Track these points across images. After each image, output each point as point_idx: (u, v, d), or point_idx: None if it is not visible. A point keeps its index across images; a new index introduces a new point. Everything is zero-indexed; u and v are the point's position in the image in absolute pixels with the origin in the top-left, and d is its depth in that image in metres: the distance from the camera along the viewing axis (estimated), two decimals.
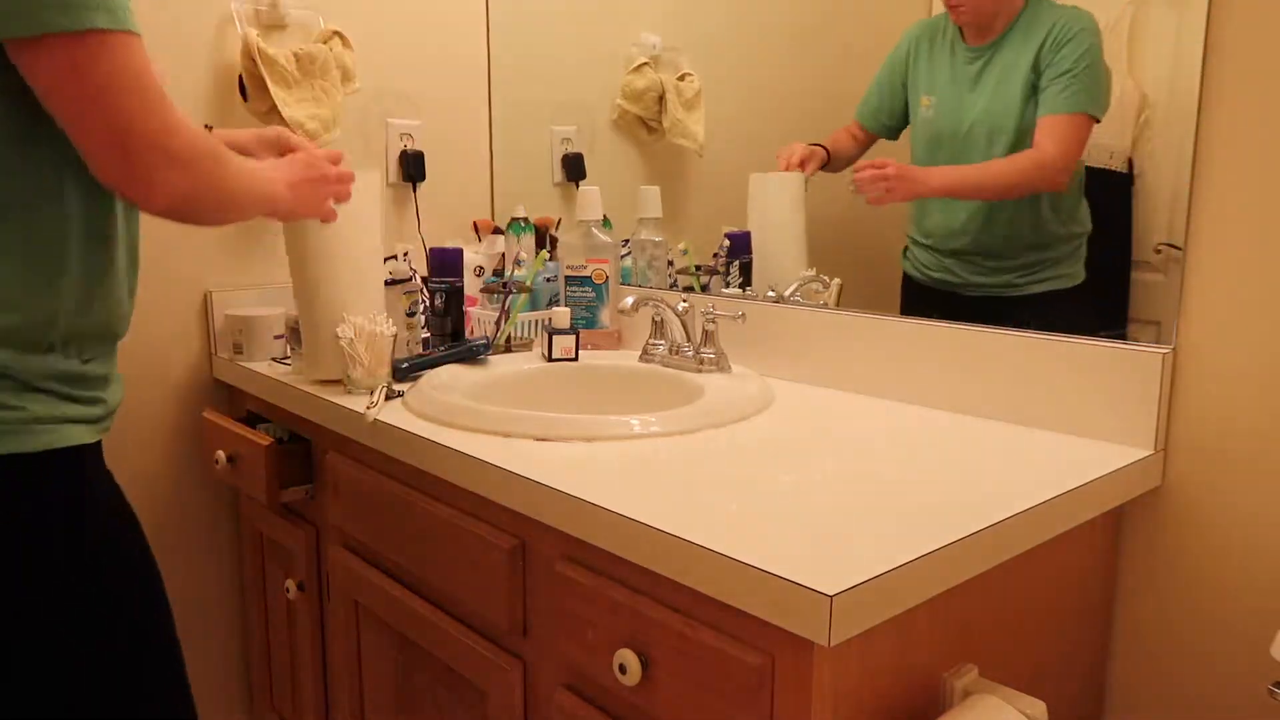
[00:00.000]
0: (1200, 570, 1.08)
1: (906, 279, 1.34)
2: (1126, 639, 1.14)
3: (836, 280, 1.41)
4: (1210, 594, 1.07)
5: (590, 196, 1.61)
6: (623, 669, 0.89)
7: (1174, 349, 1.07)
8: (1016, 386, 1.18)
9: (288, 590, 1.50)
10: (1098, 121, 1.14)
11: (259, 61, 1.54)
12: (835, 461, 1.02)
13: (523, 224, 1.78)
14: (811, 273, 1.44)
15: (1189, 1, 1.03)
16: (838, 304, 1.41)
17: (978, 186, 1.27)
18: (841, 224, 1.41)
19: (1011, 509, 0.88)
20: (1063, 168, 1.18)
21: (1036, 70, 1.19)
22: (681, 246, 1.63)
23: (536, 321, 1.66)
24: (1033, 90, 1.19)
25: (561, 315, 1.53)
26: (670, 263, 1.66)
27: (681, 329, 1.45)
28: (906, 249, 1.34)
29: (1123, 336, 1.11)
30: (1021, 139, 1.21)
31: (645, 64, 1.67)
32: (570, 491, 0.93)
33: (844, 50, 1.38)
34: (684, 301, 1.46)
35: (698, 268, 1.60)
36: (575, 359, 1.49)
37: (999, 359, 1.19)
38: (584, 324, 1.62)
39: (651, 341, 1.49)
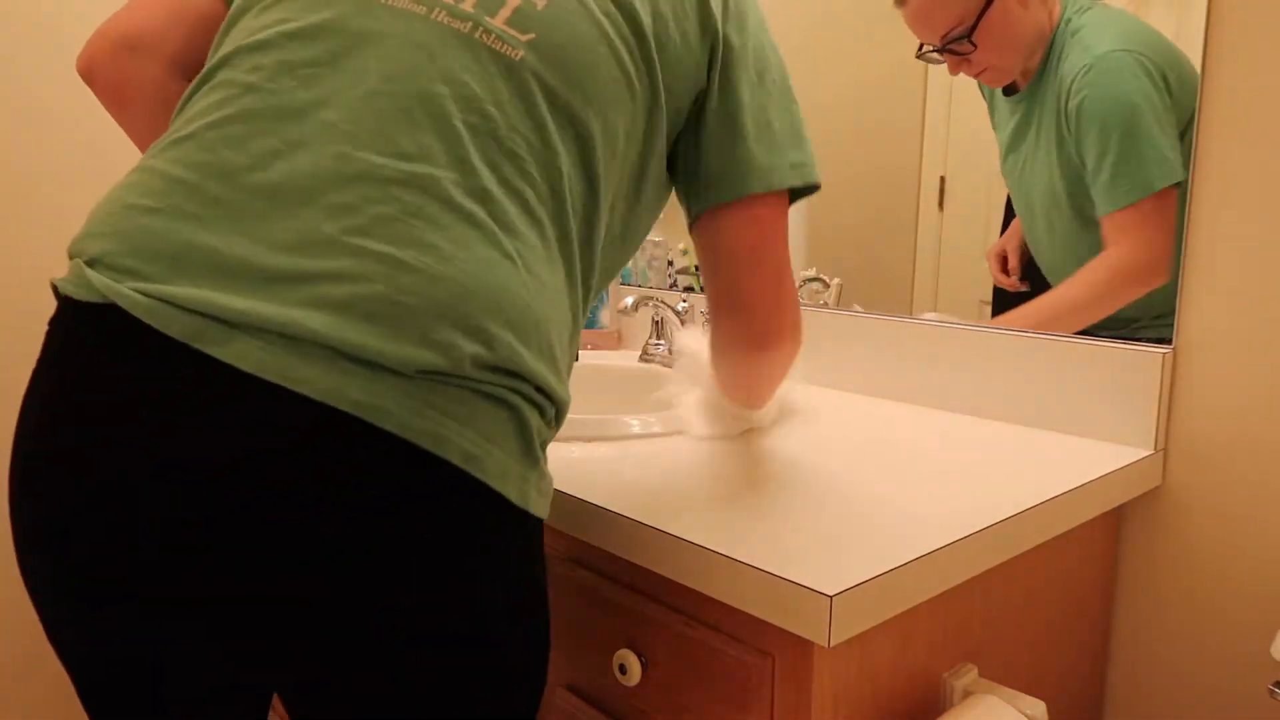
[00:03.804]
0: (1200, 570, 1.08)
1: None
2: (1126, 639, 1.14)
3: (837, 280, 1.41)
4: (1210, 594, 1.07)
5: None
6: (623, 669, 0.89)
7: (1174, 349, 1.07)
8: (1016, 386, 1.18)
9: None
10: (1178, 185, 1.01)
11: None
12: (834, 461, 1.02)
13: None
14: (812, 272, 1.44)
15: (1189, 1, 1.03)
16: (838, 304, 1.41)
17: (1063, 315, 1.11)
18: (843, 223, 1.41)
19: (1011, 509, 0.88)
20: (1150, 263, 1.02)
21: (1063, 146, 1.08)
22: (681, 247, 1.63)
23: None
24: (1068, 160, 1.08)
25: None
26: (670, 263, 1.66)
27: (682, 329, 1.45)
28: None
29: (1123, 336, 1.11)
30: (1080, 210, 1.10)
31: None
32: (570, 491, 0.93)
33: (845, 50, 1.38)
34: (684, 301, 1.46)
35: (697, 268, 1.60)
36: (575, 359, 1.49)
37: (999, 359, 1.19)
38: (584, 324, 1.62)
39: (651, 341, 1.49)
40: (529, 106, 0.72)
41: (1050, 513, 0.93)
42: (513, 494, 0.68)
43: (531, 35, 0.73)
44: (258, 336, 0.62)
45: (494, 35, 0.72)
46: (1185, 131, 1.03)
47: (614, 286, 1.63)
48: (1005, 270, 1.23)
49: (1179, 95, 1.02)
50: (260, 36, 0.73)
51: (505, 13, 0.73)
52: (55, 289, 0.71)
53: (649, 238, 1.66)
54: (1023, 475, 0.99)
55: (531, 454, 0.70)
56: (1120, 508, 1.12)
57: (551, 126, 0.73)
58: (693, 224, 0.89)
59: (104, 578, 0.66)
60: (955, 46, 1.18)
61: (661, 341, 1.48)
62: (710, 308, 0.91)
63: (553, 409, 0.73)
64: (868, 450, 1.07)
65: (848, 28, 1.37)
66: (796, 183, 0.86)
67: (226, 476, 0.61)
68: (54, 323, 0.70)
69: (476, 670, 0.70)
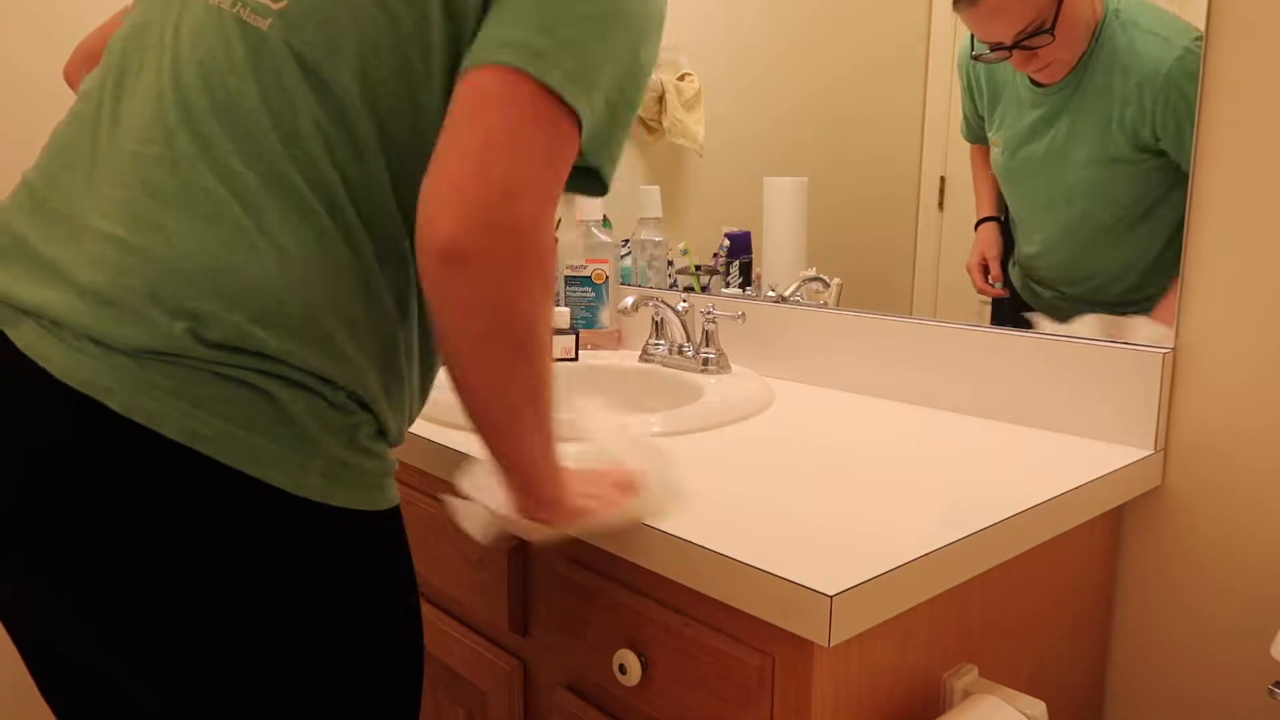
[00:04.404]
0: (1200, 570, 1.08)
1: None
2: (1126, 639, 1.14)
3: (837, 280, 1.41)
4: (1210, 594, 1.07)
5: None
6: (623, 669, 0.89)
7: (1174, 349, 1.07)
8: (1016, 386, 1.18)
9: None
10: None
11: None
12: (835, 462, 1.02)
13: None
14: (812, 272, 1.44)
15: (1189, 1, 1.03)
16: (838, 304, 1.41)
17: None
18: (843, 224, 1.41)
19: (1011, 509, 0.88)
20: None
21: (1135, 132, 1.06)
22: (681, 246, 1.63)
23: None
24: (1137, 151, 1.07)
25: (561, 315, 1.53)
26: (670, 263, 1.66)
27: (681, 329, 1.45)
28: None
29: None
30: (1131, 207, 1.09)
31: None
32: None
33: (844, 49, 1.38)
34: (684, 301, 1.46)
35: (698, 268, 1.60)
36: (575, 359, 1.49)
37: (999, 359, 1.19)
38: (584, 324, 1.62)
39: (651, 341, 1.49)
40: (277, 77, 0.70)
41: (1050, 513, 0.93)
42: (279, 480, 0.67)
43: (283, 3, 0.72)
44: (36, 321, 0.68)
45: (249, 8, 0.72)
46: None
47: (614, 286, 1.63)
48: (987, 279, 1.23)
49: None
50: (114, 40, 0.80)
51: None
52: None
53: (649, 237, 1.66)
54: (1023, 475, 0.99)
55: (305, 439, 0.68)
56: (1120, 508, 1.12)
57: (304, 94, 0.70)
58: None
59: None
60: (1033, 41, 1.14)
61: (661, 341, 1.48)
62: None
63: (339, 392, 0.71)
64: (867, 450, 1.07)
65: (849, 28, 1.37)
66: (509, 60, 0.66)
67: (6, 451, 0.66)
68: None
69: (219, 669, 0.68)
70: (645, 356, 1.48)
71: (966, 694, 0.87)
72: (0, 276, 0.71)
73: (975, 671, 0.90)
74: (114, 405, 0.65)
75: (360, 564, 0.72)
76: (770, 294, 1.49)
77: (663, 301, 1.46)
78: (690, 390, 1.34)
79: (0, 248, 0.73)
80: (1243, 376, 1.03)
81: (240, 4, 0.73)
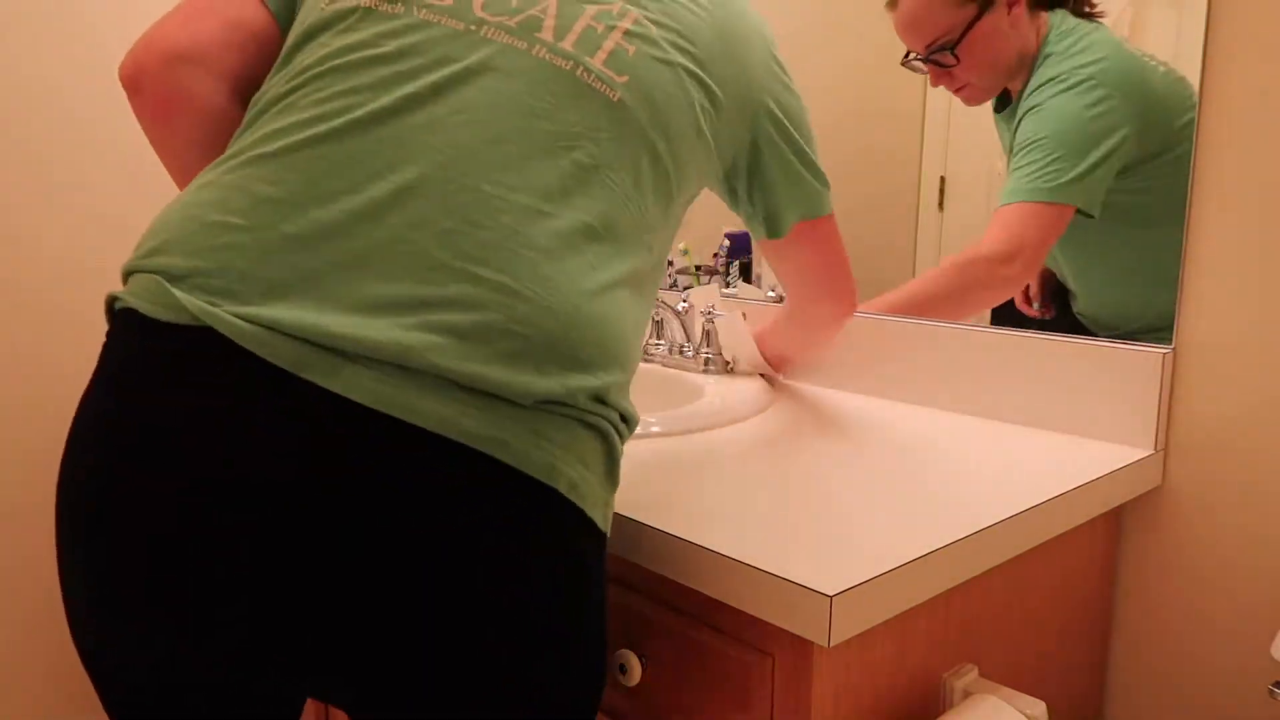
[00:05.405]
0: (1200, 570, 1.08)
1: None
2: (1126, 639, 1.14)
3: None
4: (1210, 594, 1.07)
5: None
6: (623, 669, 0.89)
7: (1174, 349, 1.07)
8: (1016, 386, 1.18)
9: None
10: (1079, 208, 1.04)
11: None
12: (834, 462, 1.02)
13: None
14: None
15: (1189, 1, 1.03)
16: None
17: (909, 305, 1.19)
18: (842, 224, 1.41)
19: (1011, 509, 0.88)
20: (1002, 260, 1.09)
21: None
22: (681, 246, 1.63)
23: None
24: None
25: None
26: (670, 263, 1.66)
27: (681, 329, 1.45)
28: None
29: (1123, 336, 1.11)
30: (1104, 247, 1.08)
31: None
32: None
33: (843, 49, 1.38)
34: (684, 301, 1.46)
35: (698, 268, 1.60)
36: None
37: (998, 359, 1.19)
38: None
39: (652, 342, 1.49)
40: (626, 146, 0.74)
41: (1050, 513, 0.93)
42: (599, 519, 0.70)
43: (626, 78, 0.75)
44: (370, 366, 0.60)
45: (594, 75, 0.74)
46: (1149, 162, 1.05)
47: None
48: (1026, 298, 1.21)
49: (1143, 127, 1.04)
50: (350, 58, 0.72)
51: (602, 55, 0.75)
52: (116, 302, 0.68)
53: None
54: (1023, 475, 0.99)
55: (612, 476, 0.72)
56: (1120, 508, 1.12)
57: (643, 166, 0.76)
58: (775, 237, 1.06)
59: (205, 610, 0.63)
60: (938, 57, 1.18)
61: (662, 341, 1.48)
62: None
63: (627, 429, 0.75)
64: (867, 450, 1.07)
65: (848, 28, 1.37)
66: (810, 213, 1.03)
67: (355, 515, 0.60)
68: (122, 339, 0.66)
69: (566, 690, 0.71)
70: (645, 356, 1.48)
71: (966, 694, 0.87)
72: (292, 312, 0.61)
73: (975, 671, 0.90)
74: (505, 458, 0.62)
75: (604, 591, 0.76)
76: (770, 294, 1.49)
77: (663, 301, 1.46)
78: (690, 390, 1.34)
79: (270, 278, 0.63)
80: (1242, 376, 1.03)
81: (583, 69, 0.74)
